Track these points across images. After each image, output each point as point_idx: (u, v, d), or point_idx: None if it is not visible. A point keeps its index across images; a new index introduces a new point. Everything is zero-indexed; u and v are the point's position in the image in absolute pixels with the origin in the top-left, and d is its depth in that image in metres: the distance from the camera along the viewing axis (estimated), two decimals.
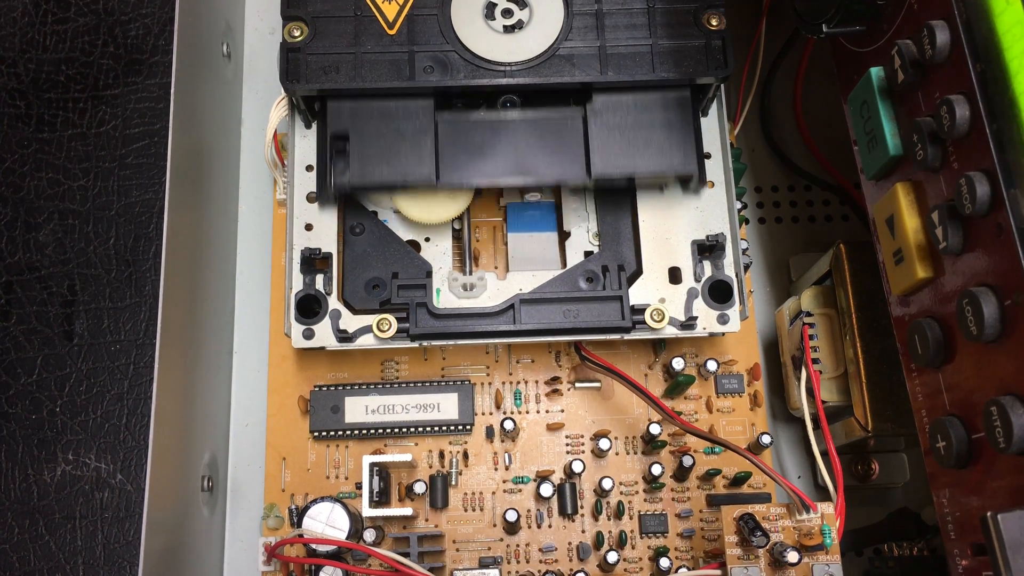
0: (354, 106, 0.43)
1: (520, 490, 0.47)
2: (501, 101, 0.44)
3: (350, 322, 0.43)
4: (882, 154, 0.38)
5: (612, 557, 0.45)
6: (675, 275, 0.44)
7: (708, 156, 0.45)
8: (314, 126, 0.45)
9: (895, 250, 0.37)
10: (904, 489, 0.49)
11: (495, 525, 0.47)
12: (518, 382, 0.49)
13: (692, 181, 0.44)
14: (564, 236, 0.46)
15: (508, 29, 0.43)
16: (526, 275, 0.44)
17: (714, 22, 0.43)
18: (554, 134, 0.43)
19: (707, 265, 0.44)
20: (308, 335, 0.42)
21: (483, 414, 0.48)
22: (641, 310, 0.43)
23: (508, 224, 0.49)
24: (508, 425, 0.46)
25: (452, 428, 0.47)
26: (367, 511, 0.44)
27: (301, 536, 0.42)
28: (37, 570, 0.40)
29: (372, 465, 0.44)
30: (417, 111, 0.43)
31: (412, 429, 0.47)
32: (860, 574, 0.47)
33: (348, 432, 0.47)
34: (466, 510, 0.47)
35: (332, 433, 0.47)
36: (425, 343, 0.44)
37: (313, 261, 0.43)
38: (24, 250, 0.44)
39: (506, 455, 0.48)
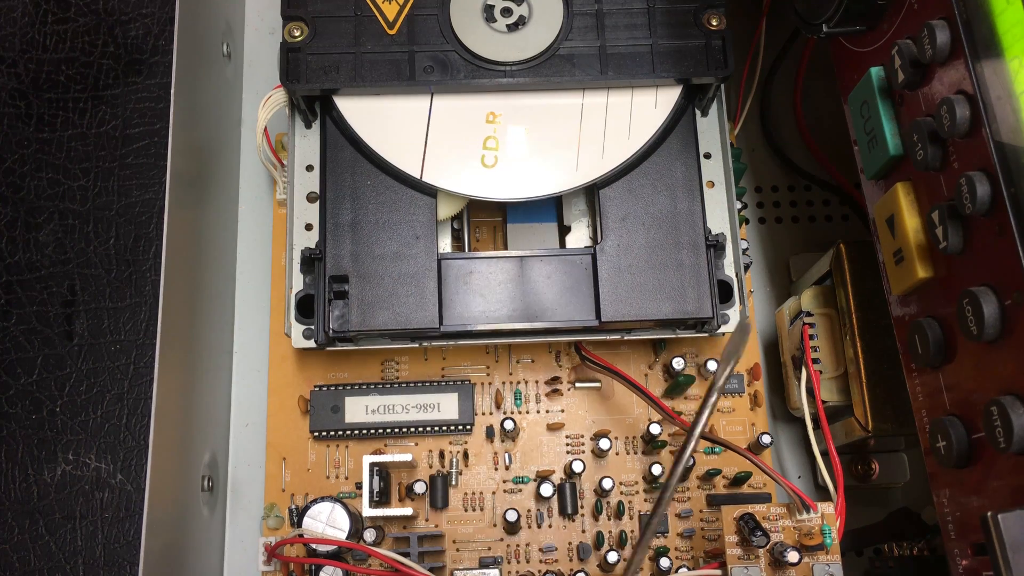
0: (355, 249, 0.42)
1: (520, 490, 0.47)
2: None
3: None
4: (882, 154, 0.38)
5: (612, 557, 0.45)
6: None
7: (708, 156, 0.45)
8: (314, 126, 0.45)
9: (895, 250, 0.37)
10: (904, 489, 0.49)
11: (495, 525, 0.47)
12: (518, 382, 0.49)
13: (708, 324, 0.42)
14: (565, 231, 0.46)
15: (510, 28, 0.43)
16: None
17: (714, 22, 0.43)
18: (563, 276, 0.42)
19: None
20: (308, 335, 0.42)
21: (483, 414, 0.48)
22: None
23: (508, 215, 0.48)
24: (508, 425, 0.46)
25: (452, 428, 0.47)
26: (367, 511, 0.44)
27: (301, 536, 0.42)
28: (37, 570, 0.40)
29: (372, 465, 0.44)
30: (420, 253, 0.42)
31: (412, 429, 0.47)
32: (860, 574, 0.47)
33: (348, 432, 0.47)
34: (466, 510, 0.47)
35: (332, 433, 0.47)
36: (425, 343, 0.44)
37: (313, 261, 0.43)
38: (24, 250, 0.44)
39: (506, 455, 0.48)
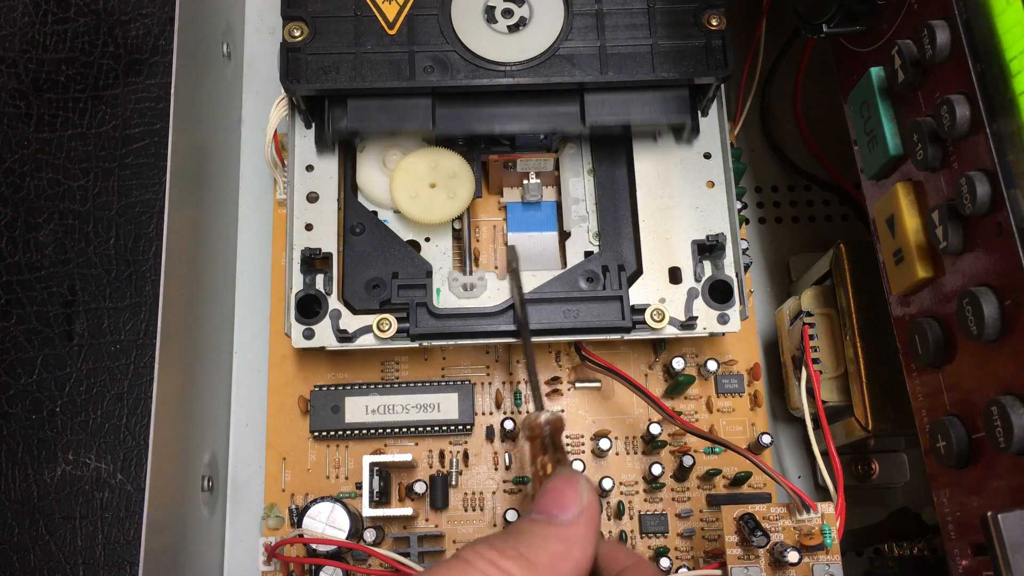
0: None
1: (520, 490, 0.47)
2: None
3: (350, 322, 0.43)
4: (882, 154, 0.38)
5: None
6: (675, 275, 0.44)
7: (708, 156, 0.45)
8: (314, 126, 0.45)
9: (895, 250, 0.37)
10: (904, 489, 0.49)
11: (495, 525, 0.47)
12: (518, 382, 0.49)
13: (685, 130, 0.45)
14: (564, 236, 0.46)
15: (511, 28, 0.43)
16: (526, 275, 0.44)
17: (714, 22, 0.43)
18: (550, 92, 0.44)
19: (707, 265, 0.44)
20: (308, 335, 0.42)
21: (483, 414, 0.48)
22: (641, 310, 0.43)
23: (508, 224, 0.49)
24: (508, 425, 0.46)
25: (452, 428, 0.47)
26: (367, 511, 0.44)
27: (301, 536, 0.42)
28: (37, 570, 0.40)
29: (372, 465, 0.44)
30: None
31: (412, 429, 0.47)
32: (860, 574, 0.47)
33: (348, 432, 0.47)
34: (466, 510, 0.47)
35: (332, 433, 0.47)
36: (425, 343, 0.44)
37: (313, 261, 0.43)
38: (24, 250, 0.44)
39: (506, 455, 0.48)
